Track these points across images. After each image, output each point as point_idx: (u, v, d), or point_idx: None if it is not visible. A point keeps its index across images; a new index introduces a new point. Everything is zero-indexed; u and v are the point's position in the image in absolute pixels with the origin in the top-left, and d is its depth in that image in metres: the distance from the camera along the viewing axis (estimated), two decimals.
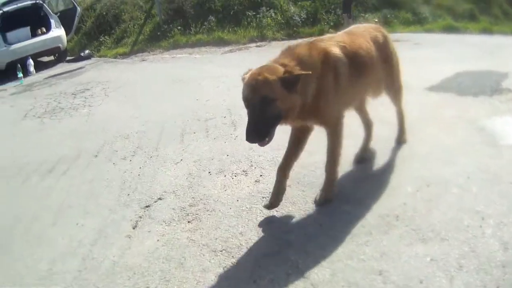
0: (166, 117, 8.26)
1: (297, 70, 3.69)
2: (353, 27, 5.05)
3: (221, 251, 4.03)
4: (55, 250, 4.60)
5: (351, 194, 4.47)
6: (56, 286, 4.03)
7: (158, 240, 4.40)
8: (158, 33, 18.64)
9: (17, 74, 16.72)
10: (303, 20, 15.18)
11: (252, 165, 5.44)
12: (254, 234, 4.19)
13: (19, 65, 17.12)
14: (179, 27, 17.98)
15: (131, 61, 16.81)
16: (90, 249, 4.49)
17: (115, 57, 18.71)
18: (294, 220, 4.32)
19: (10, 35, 19.21)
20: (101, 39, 21.86)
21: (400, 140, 5.37)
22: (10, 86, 16.04)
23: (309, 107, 3.89)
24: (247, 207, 4.66)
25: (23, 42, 19.02)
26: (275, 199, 4.38)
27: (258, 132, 3.59)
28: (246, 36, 15.53)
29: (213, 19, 17.10)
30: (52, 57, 21.91)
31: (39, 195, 6.05)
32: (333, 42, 4.23)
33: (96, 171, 6.48)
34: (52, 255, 4.53)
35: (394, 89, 5.19)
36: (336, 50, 4.13)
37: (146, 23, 20.50)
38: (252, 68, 3.81)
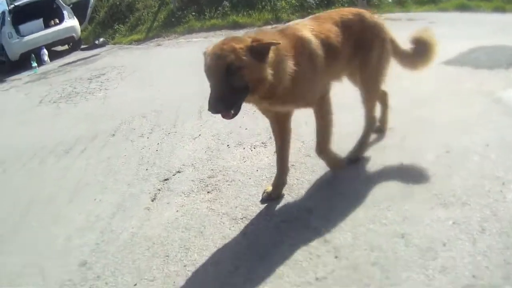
0: (183, 97, 8.21)
1: (266, 40, 3.40)
2: (327, 12, 4.63)
3: (241, 218, 3.99)
4: (72, 226, 4.60)
5: (372, 162, 4.41)
6: (74, 258, 4.02)
7: (177, 211, 4.36)
8: (173, 20, 18.65)
9: (31, 64, 16.90)
10: (317, 2, 15.02)
11: (271, 137, 5.31)
12: (274, 202, 4.13)
13: (33, 55, 17.43)
14: (193, 13, 17.99)
15: (146, 47, 16.83)
16: (108, 222, 4.47)
17: (130, 44, 18.82)
18: (314, 187, 4.25)
19: (23, 27, 19.88)
20: (115, 27, 22.13)
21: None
22: (25, 76, 16.26)
23: (288, 91, 3.61)
24: (266, 177, 4.57)
25: (36, 34, 19.66)
26: (275, 192, 4.19)
27: (223, 102, 3.23)
28: (261, 19, 15.34)
29: (227, 4, 17.00)
30: (66, 47, 22.22)
31: (56, 176, 6.07)
32: (302, 27, 3.95)
33: (114, 150, 6.47)
34: (68, 231, 4.53)
35: (366, 87, 4.46)
36: (307, 33, 3.86)
37: (160, 11, 20.59)
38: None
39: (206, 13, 17.44)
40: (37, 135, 8.20)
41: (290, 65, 3.57)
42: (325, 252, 3.31)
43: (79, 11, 21.94)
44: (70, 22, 20.62)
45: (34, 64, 16.94)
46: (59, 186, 5.70)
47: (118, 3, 23.61)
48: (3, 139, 8.77)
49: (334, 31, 4.07)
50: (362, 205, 3.74)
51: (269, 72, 3.39)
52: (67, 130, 8.03)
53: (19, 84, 14.72)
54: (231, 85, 3.24)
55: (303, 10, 14.59)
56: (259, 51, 3.32)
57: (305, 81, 3.74)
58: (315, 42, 3.83)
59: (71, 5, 21.83)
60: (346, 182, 4.20)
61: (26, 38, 19.38)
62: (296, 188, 4.26)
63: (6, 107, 12.06)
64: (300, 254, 3.35)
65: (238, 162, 5.08)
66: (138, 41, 18.67)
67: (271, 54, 3.40)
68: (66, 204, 5.12)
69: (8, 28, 19.69)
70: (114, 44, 20.03)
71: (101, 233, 4.32)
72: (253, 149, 5.29)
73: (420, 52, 4.62)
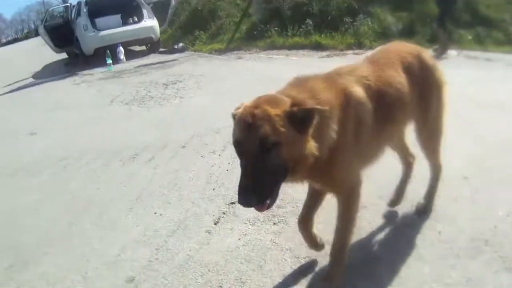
0: None
1: (310, 103, 2.88)
2: (382, 49, 4.04)
3: (305, 257, 3.89)
4: (127, 237, 4.62)
5: (443, 212, 4.31)
6: (122, 273, 4.03)
7: (239, 239, 4.30)
8: (255, 32, 18.90)
9: (106, 60, 17.28)
10: (399, 31, 14.93)
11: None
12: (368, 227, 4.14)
13: (108, 52, 17.84)
14: (276, 28, 18.17)
15: (226, 58, 17.01)
16: (165, 239, 4.46)
17: (210, 52, 19.10)
18: (383, 234, 4.15)
19: (99, 21, 20.39)
20: (196, 34, 22.45)
21: (421, 209, 4.32)
22: (98, 72, 16.74)
23: (321, 165, 3.00)
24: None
25: (113, 29, 20.04)
26: (314, 247, 3.82)
27: (256, 190, 2.68)
28: (343, 43, 15.28)
29: (311, 22, 17.05)
30: (144, 47, 22.66)
31: (119, 181, 6.16)
32: (355, 78, 3.34)
33: (182, 163, 6.50)
34: (123, 241, 4.55)
35: (429, 135, 4.09)
36: (359, 91, 3.26)
37: (242, 21, 20.92)
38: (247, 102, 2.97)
39: (289, 30, 17.60)
40: (105, 135, 8.43)
41: (332, 131, 3.02)
42: None
43: (159, 12, 22.31)
44: (150, 22, 20.96)
45: (109, 61, 17.37)
46: (120, 192, 5.78)
47: (200, 8, 24.13)
48: (69, 135, 9.06)
49: (395, 84, 3.54)
50: (428, 259, 3.68)
51: (313, 145, 2.84)
52: (136, 134, 8.19)
53: (92, 80, 15.13)
54: (266, 166, 2.68)
55: (385, 37, 14.44)
56: (301, 119, 2.73)
57: (344, 155, 3.19)
58: (367, 106, 3.27)
59: (151, 5, 22.21)
60: (415, 230, 4.11)
61: (102, 32, 19.79)
62: (365, 231, 4.17)
63: (76, 102, 12.47)
64: None
65: None
66: (219, 51, 18.94)
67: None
68: (125, 213, 5.16)
69: (83, 20, 20.06)
70: (194, 51, 20.40)
71: (156, 250, 4.32)
72: None
73: None
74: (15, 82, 18.50)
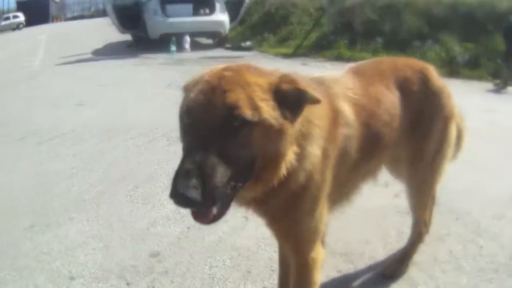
0: None
1: (304, 85, 2.01)
2: (373, 60, 3.31)
3: (340, 253, 3.78)
4: (159, 213, 4.56)
5: (486, 228, 4.25)
6: (147, 246, 3.93)
7: None
8: (324, 42, 19.01)
9: (169, 47, 17.40)
10: (465, 61, 14.76)
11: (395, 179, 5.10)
12: (380, 245, 3.96)
13: (174, 39, 17.94)
14: (345, 41, 18.23)
15: (290, 62, 16.92)
16: None
17: (276, 55, 19.08)
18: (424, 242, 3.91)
19: (170, 8, 20.52)
20: (264, 35, 22.49)
21: (389, 271, 3.53)
22: (160, 57, 16.86)
23: (284, 195, 2.19)
24: (380, 216, 4.41)
25: (182, 18, 20.17)
26: None
27: (205, 186, 1.74)
28: None
29: (380, 40, 17.04)
30: (210, 41, 22.73)
31: (162, 159, 6.12)
32: (343, 90, 2.56)
33: None
34: (154, 216, 4.49)
35: (422, 179, 3.22)
36: (347, 109, 2.49)
37: (313, 30, 20.94)
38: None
39: (358, 44, 17.66)
40: (155, 115, 8.43)
41: (318, 147, 2.21)
42: None
43: (231, 8, 22.40)
44: (221, 16, 21.12)
45: (173, 48, 17.54)
46: (161, 170, 5.73)
47: (273, 11, 24.33)
48: (118, 110, 9.18)
49: (385, 103, 2.74)
50: (467, 271, 3.62)
51: (293, 150, 2.05)
52: None
53: (152, 63, 15.28)
54: (226, 152, 1.80)
55: (450, 66, 14.25)
56: (291, 100, 1.96)
57: (319, 192, 2.33)
58: (354, 126, 2.50)
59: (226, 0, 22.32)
60: (457, 242, 4.04)
61: (171, 19, 20.00)
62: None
63: (131, 81, 12.69)
64: None
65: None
66: (285, 55, 18.91)
67: (300, 119, 2.06)
68: (162, 190, 5.06)
69: (154, 3, 20.35)
70: (260, 52, 20.41)
71: (188, 228, 4.21)
72: (373, 186, 4.97)
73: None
74: (74, 55, 18.89)
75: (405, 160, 3.09)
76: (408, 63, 3.08)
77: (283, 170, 1.99)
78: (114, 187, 5.18)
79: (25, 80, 13.51)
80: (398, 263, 3.54)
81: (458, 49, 15.28)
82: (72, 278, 3.54)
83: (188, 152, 1.81)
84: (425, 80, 2.95)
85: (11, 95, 11.38)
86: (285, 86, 1.95)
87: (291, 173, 2.07)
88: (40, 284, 3.47)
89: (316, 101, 1.98)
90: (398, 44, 16.49)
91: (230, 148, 1.80)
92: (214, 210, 1.86)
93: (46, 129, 7.73)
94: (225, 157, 1.78)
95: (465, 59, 14.75)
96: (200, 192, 1.72)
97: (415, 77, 2.93)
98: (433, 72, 3.04)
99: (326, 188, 2.36)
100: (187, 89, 2.01)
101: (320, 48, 18.78)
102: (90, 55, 19.61)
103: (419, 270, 3.58)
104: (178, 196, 1.70)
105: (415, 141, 2.97)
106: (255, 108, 1.83)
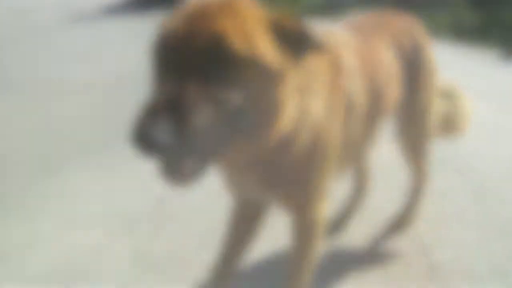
0: None
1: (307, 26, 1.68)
2: (366, 15, 3.00)
3: None
4: None
5: (491, 186, 4.14)
6: (152, 193, 3.92)
7: None
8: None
9: None
10: (474, 28, 14.74)
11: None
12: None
13: None
14: None
15: None
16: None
17: None
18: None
19: None
20: None
21: (400, 223, 3.46)
22: None
23: (290, 160, 1.94)
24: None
25: None
26: None
27: (178, 127, 1.34)
28: None
29: None
30: None
31: None
32: (343, 41, 2.34)
33: None
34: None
35: (417, 133, 3.11)
36: (348, 55, 2.25)
37: None
38: None
39: None
40: None
41: (321, 101, 1.95)
42: None
43: None
44: None
45: None
46: None
47: None
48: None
49: (384, 57, 2.57)
50: (474, 227, 3.55)
51: (295, 99, 1.74)
52: None
53: None
54: (211, 94, 1.44)
55: (459, 32, 14.19)
56: (294, 41, 1.64)
57: (324, 155, 2.06)
58: (358, 77, 2.28)
59: None
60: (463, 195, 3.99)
61: None
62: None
63: None
64: None
65: None
66: None
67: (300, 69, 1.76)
68: None
69: None
70: None
71: None
72: None
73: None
74: None
75: (401, 117, 3.02)
76: (400, 17, 2.93)
77: (282, 126, 1.67)
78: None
79: None
80: (403, 216, 3.45)
81: (467, 14, 15.15)
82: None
83: (161, 88, 1.45)
84: (412, 27, 2.88)
85: None
86: (287, 24, 1.62)
87: (293, 131, 1.79)
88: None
89: (321, 47, 1.68)
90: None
91: (215, 88, 1.44)
92: (189, 164, 1.46)
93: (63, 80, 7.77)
94: (209, 98, 1.43)
95: (475, 25, 14.67)
96: (173, 133, 1.32)
97: (407, 31, 2.82)
98: (420, 26, 2.95)
99: (334, 144, 2.10)
100: (163, 25, 1.58)
101: None
102: None
103: (425, 223, 3.52)
104: (142, 137, 1.30)
105: (410, 98, 2.86)
106: (249, 42, 1.50)
